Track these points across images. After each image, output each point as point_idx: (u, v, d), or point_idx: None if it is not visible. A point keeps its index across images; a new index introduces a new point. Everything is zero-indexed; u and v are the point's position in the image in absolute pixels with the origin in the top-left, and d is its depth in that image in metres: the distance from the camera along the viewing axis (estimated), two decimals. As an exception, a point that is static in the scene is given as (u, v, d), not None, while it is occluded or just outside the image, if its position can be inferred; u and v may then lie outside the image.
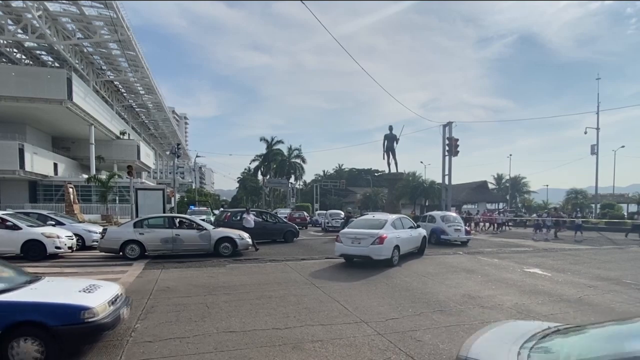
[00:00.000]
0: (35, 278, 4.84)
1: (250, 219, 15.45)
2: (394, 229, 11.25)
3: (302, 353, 4.48)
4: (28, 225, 11.68)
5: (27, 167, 30.09)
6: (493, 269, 10.60)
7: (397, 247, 10.80)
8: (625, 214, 34.38)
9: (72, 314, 4.08)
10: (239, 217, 16.98)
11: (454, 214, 19.12)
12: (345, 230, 11.66)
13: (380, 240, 10.32)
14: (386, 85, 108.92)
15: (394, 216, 12.38)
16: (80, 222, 16.84)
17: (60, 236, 11.72)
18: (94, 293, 4.56)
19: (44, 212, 15.64)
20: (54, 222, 13.85)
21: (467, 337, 4.98)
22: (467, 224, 28.52)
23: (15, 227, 11.21)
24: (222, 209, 33.58)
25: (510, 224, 30.97)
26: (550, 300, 7.09)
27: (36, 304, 4.06)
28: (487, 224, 29.92)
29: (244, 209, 17.23)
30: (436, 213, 18.73)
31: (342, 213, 26.92)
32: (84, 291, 4.55)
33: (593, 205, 38.73)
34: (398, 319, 5.78)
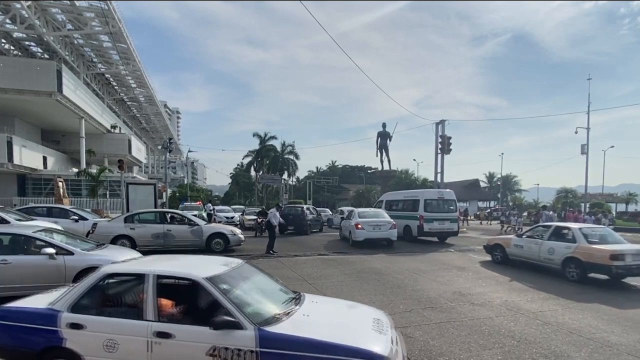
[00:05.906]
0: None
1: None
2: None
3: (293, 349, 4.46)
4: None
5: (16, 160, 29.53)
6: (483, 266, 10.71)
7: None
8: (614, 213, 35.01)
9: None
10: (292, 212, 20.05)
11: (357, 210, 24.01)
12: (366, 219, 14.47)
13: (394, 226, 14.45)
14: (380, 83, 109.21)
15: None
16: (102, 217, 16.56)
17: None
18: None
19: (66, 207, 15.26)
20: (77, 217, 13.76)
21: (457, 334, 5.03)
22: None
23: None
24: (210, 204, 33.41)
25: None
26: (539, 298, 7.18)
27: None
28: None
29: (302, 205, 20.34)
30: (346, 208, 23.76)
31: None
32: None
33: (583, 204, 39.32)
34: (389, 316, 5.80)
